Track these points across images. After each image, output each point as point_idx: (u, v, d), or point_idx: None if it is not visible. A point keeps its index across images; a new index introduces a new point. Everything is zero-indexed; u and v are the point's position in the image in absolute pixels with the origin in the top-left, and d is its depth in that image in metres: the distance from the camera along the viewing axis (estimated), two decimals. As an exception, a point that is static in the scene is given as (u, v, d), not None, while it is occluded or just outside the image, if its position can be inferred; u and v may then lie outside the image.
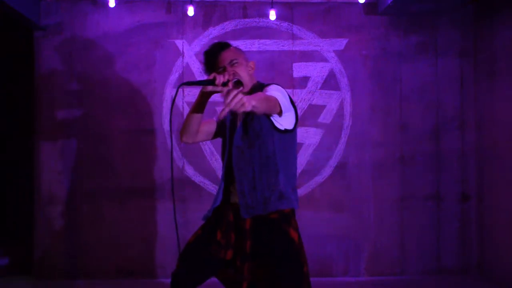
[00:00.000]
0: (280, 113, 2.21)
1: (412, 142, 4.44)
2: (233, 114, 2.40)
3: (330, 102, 4.44)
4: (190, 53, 4.40)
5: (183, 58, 4.41)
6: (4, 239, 5.45)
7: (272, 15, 4.27)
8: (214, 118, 2.57)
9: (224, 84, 2.24)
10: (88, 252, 4.34)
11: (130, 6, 4.42)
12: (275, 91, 2.22)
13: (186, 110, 4.38)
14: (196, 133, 2.48)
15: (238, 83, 2.29)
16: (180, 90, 4.37)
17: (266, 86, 2.33)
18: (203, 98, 2.36)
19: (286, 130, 2.28)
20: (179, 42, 4.41)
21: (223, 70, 2.35)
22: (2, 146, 5.97)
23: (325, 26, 4.46)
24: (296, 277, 2.21)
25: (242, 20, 4.44)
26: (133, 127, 4.38)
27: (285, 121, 2.27)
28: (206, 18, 4.43)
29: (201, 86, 2.34)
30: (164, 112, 4.40)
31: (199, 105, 2.38)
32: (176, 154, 4.39)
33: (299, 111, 4.39)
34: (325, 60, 4.45)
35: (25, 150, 5.50)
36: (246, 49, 4.41)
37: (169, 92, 4.40)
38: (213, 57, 2.40)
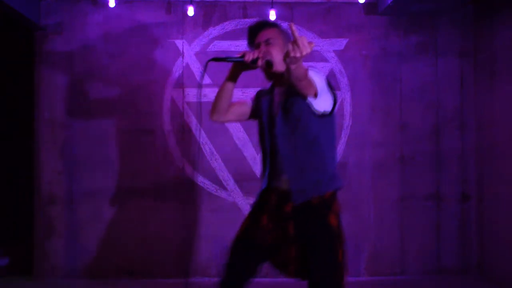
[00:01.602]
0: (316, 95, 2.16)
1: (412, 142, 4.44)
2: (270, 101, 2.39)
3: (330, 102, 4.44)
4: (190, 53, 4.40)
5: (183, 58, 4.41)
6: (4, 239, 5.45)
7: (272, 15, 4.27)
8: (248, 100, 2.54)
9: (254, 61, 2.23)
10: (88, 252, 4.34)
11: (130, 6, 4.42)
12: (312, 74, 2.18)
13: (187, 110, 4.38)
14: (226, 111, 2.45)
15: (268, 64, 2.24)
16: (180, 90, 4.38)
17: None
18: (236, 71, 2.36)
19: (324, 113, 2.25)
20: (179, 42, 4.41)
21: (256, 47, 2.33)
22: (2, 146, 5.97)
23: (325, 26, 4.46)
24: (329, 268, 2.23)
25: (242, 20, 4.44)
26: (133, 127, 4.38)
27: (322, 104, 2.22)
28: (206, 18, 4.43)
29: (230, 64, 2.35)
30: (164, 112, 4.39)
31: (231, 77, 2.37)
32: (176, 154, 4.39)
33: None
34: (325, 60, 4.45)
35: (25, 150, 5.50)
36: (246, 49, 4.40)
37: (169, 92, 4.40)
38: (253, 32, 2.38)
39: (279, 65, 2.24)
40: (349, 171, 4.43)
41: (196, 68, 4.39)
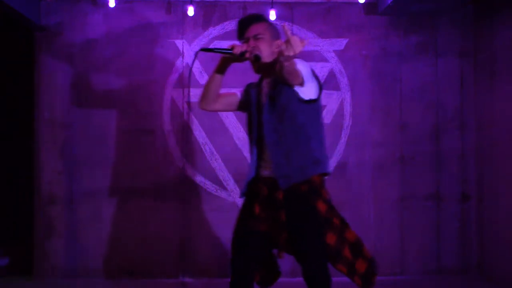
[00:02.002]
0: (302, 84, 2.30)
1: (412, 142, 4.44)
2: (258, 90, 2.51)
3: (330, 102, 4.44)
4: (190, 53, 4.40)
5: (183, 58, 4.41)
6: (4, 239, 5.44)
7: (272, 15, 4.26)
8: (237, 92, 2.64)
9: (242, 54, 2.34)
10: (88, 252, 4.34)
11: (130, 6, 4.42)
12: (298, 64, 2.28)
13: (186, 110, 4.38)
14: (214, 100, 2.56)
15: (257, 57, 2.35)
16: (180, 90, 4.38)
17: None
18: (225, 63, 2.47)
19: (310, 100, 2.37)
20: (179, 42, 4.41)
21: (245, 41, 2.43)
22: (2, 146, 5.96)
23: (325, 26, 4.46)
24: (315, 252, 2.36)
25: (242, 20, 4.44)
26: (133, 127, 4.38)
27: (308, 92, 2.35)
28: (206, 18, 4.43)
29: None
30: (164, 112, 4.39)
31: (220, 68, 2.48)
32: (176, 154, 4.39)
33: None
34: (325, 60, 4.45)
35: (25, 150, 5.50)
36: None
37: (169, 92, 4.40)
38: (243, 27, 2.48)
39: (266, 59, 2.38)
40: (349, 171, 4.42)
41: (196, 68, 4.39)
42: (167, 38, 4.41)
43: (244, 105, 2.62)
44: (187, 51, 4.40)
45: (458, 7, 4.40)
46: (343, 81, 4.45)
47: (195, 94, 4.39)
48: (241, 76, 4.48)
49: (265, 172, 2.44)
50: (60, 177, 4.36)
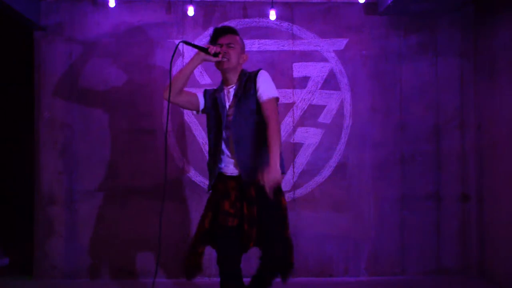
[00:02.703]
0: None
1: (412, 142, 4.44)
2: (223, 96, 2.86)
3: (330, 102, 4.44)
4: (190, 53, 4.39)
5: (183, 58, 4.41)
6: (4, 239, 5.45)
7: (272, 15, 4.27)
8: (198, 93, 2.98)
9: (215, 54, 2.77)
10: (88, 252, 4.34)
11: (130, 6, 4.42)
12: (270, 90, 2.74)
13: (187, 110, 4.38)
14: (178, 93, 2.85)
15: (224, 59, 2.82)
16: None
17: (255, 77, 2.77)
18: (197, 60, 2.82)
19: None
20: (179, 42, 4.41)
21: (219, 46, 2.82)
22: (2, 146, 5.97)
23: (325, 26, 4.46)
24: (283, 241, 2.75)
25: (242, 20, 4.44)
26: (133, 127, 4.39)
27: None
28: (206, 18, 4.43)
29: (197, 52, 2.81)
30: (164, 112, 4.40)
31: (191, 64, 2.83)
32: (176, 154, 4.39)
33: (299, 111, 4.41)
34: (325, 60, 4.45)
35: (25, 150, 5.50)
36: (246, 49, 4.39)
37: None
38: (218, 33, 2.87)
39: (232, 65, 2.81)
40: (349, 171, 4.43)
41: (196, 68, 4.38)
42: (167, 38, 4.41)
43: (206, 108, 2.93)
44: (187, 51, 4.40)
45: (458, 7, 4.40)
46: (343, 81, 4.45)
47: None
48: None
49: (230, 169, 2.77)
50: (60, 177, 4.36)
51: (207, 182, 4.37)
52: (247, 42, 4.43)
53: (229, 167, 2.78)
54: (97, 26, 4.41)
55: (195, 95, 2.96)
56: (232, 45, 2.82)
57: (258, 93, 2.73)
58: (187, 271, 2.91)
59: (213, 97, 2.90)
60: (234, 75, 2.85)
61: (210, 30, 4.41)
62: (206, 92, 2.98)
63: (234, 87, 2.84)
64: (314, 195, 4.41)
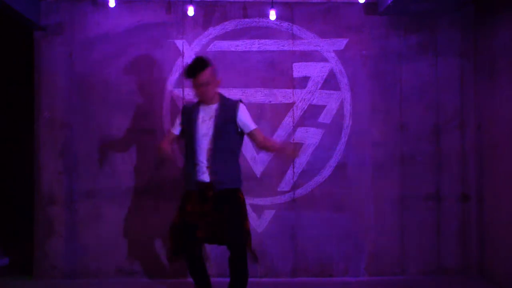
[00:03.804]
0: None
1: (412, 142, 4.44)
2: (200, 112, 3.31)
3: (330, 102, 4.44)
4: (190, 53, 4.40)
5: (183, 58, 4.41)
6: (4, 239, 5.45)
7: (272, 15, 4.27)
8: (173, 131, 3.45)
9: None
10: (88, 252, 4.34)
11: (130, 6, 4.42)
12: (251, 123, 3.34)
13: (186, 110, 4.38)
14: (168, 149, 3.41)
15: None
16: (180, 90, 4.38)
17: (235, 109, 3.27)
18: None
19: (242, 132, 3.35)
20: (179, 42, 4.41)
21: (197, 87, 3.25)
22: (2, 146, 5.97)
23: (325, 26, 4.46)
24: (242, 231, 3.20)
25: (242, 20, 4.44)
26: (133, 127, 4.38)
27: (247, 130, 3.35)
28: (206, 18, 4.43)
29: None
30: (164, 112, 4.40)
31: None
32: (176, 154, 4.38)
33: (299, 111, 4.42)
34: (325, 60, 4.45)
35: (25, 150, 5.50)
36: (246, 49, 4.41)
37: (169, 92, 4.40)
38: (190, 75, 3.25)
39: (210, 96, 3.28)
40: (349, 171, 4.42)
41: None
42: (167, 38, 4.41)
43: (184, 127, 3.36)
44: (187, 51, 4.40)
45: (458, 7, 4.40)
46: (343, 81, 4.45)
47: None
48: (244, 76, 4.49)
49: (201, 177, 3.22)
50: (60, 177, 4.36)
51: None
52: (246, 42, 4.43)
53: (200, 175, 3.24)
54: (97, 26, 4.40)
55: (173, 136, 3.47)
56: (206, 82, 3.22)
57: (242, 126, 3.30)
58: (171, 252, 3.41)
59: (189, 113, 3.35)
60: (212, 99, 3.31)
61: (210, 31, 4.44)
62: (184, 110, 3.45)
63: (214, 106, 3.30)
64: (314, 195, 4.41)
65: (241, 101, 3.35)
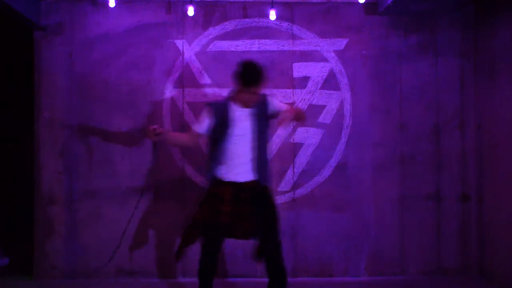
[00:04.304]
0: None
1: (412, 142, 4.44)
2: (232, 111, 3.19)
3: (330, 102, 4.44)
4: (190, 53, 4.40)
5: (183, 58, 4.41)
6: (4, 239, 5.45)
7: (272, 15, 4.27)
8: (200, 130, 3.24)
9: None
10: (88, 252, 4.34)
11: (130, 6, 4.42)
12: (280, 103, 3.36)
13: (187, 110, 4.38)
14: (187, 144, 3.44)
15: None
16: (180, 90, 4.38)
17: (265, 101, 3.22)
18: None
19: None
20: (179, 42, 4.41)
21: (252, 94, 3.16)
22: (2, 146, 5.97)
23: (325, 26, 4.46)
24: (278, 227, 3.21)
25: (242, 20, 4.44)
26: (133, 127, 4.38)
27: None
28: (206, 18, 4.43)
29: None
30: (164, 112, 4.40)
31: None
32: (176, 154, 4.39)
33: (299, 111, 4.43)
34: (325, 60, 4.45)
35: (25, 150, 5.50)
36: (246, 49, 4.41)
37: (169, 92, 4.40)
38: (254, 82, 3.13)
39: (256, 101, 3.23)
40: (349, 171, 4.43)
41: (196, 68, 4.39)
42: (167, 38, 4.41)
43: (216, 127, 3.19)
44: (187, 51, 4.40)
45: (458, 7, 4.40)
46: (343, 81, 4.45)
47: (194, 93, 4.40)
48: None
49: (239, 176, 3.15)
50: (60, 177, 4.36)
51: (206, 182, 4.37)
52: (247, 42, 4.44)
53: (230, 176, 3.16)
54: (97, 26, 4.41)
55: (197, 135, 3.29)
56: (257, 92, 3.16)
57: (276, 112, 3.24)
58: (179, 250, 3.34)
59: (223, 112, 3.19)
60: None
61: (210, 31, 4.44)
62: (215, 108, 3.23)
63: (255, 106, 3.20)
64: (314, 195, 4.41)
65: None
